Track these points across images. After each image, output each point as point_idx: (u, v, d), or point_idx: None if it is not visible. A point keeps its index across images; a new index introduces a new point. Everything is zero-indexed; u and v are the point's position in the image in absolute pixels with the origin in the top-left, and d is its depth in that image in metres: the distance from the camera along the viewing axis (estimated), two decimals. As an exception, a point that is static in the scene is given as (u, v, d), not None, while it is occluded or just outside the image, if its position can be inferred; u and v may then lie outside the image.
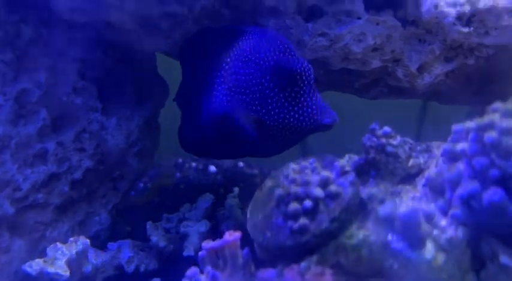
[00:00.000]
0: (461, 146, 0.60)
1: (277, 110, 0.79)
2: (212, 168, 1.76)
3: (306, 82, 0.79)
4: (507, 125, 0.56)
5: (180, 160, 1.83)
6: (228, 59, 0.85)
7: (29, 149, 1.03)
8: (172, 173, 1.77)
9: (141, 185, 1.57)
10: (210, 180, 1.74)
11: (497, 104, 0.60)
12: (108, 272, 1.00)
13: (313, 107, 0.79)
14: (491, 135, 0.57)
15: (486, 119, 0.58)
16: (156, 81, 1.28)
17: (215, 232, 1.17)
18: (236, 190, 1.58)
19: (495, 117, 0.58)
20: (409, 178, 0.69)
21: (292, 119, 0.79)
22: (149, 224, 1.10)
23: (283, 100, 0.79)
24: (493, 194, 0.57)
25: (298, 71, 0.78)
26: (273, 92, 0.79)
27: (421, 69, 0.97)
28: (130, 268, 1.01)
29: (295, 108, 0.79)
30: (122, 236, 1.24)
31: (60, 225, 1.08)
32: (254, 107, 0.80)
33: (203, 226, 1.07)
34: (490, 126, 0.57)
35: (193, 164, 1.83)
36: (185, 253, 1.04)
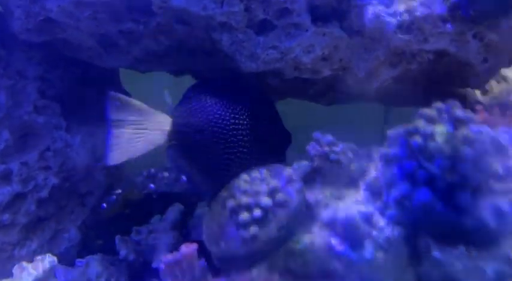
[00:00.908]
0: (393, 150, 0.65)
1: None
2: (185, 178, 1.78)
3: None
4: (430, 130, 0.61)
5: (153, 170, 1.85)
6: None
7: (-8, 171, 1.04)
8: (145, 184, 1.79)
9: (113, 197, 1.59)
10: (182, 189, 1.76)
11: (423, 110, 0.65)
12: (78, 288, 1.01)
13: None
14: (416, 140, 0.62)
15: (412, 124, 0.63)
16: (119, 95, 1.30)
17: (187, 241, 1.20)
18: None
19: (420, 123, 0.63)
20: (353, 182, 0.74)
21: None
22: (118, 238, 1.12)
23: None
24: (421, 194, 0.62)
25: None
26: None
27: (368, 75, 1.02)
28: (100, 283, 1.03)
29: None
30: (93, 251, 1.26)
31: (28, 244, 1.09)
32: None
33: (171, 237, 1.09)
34: (416, 131, 0.63)
35: (166, 174, 1.86)
36: (154, 265, 1.07)
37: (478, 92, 1.13)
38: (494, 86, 1.07)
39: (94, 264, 1.04)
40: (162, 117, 0.95)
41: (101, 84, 1.25)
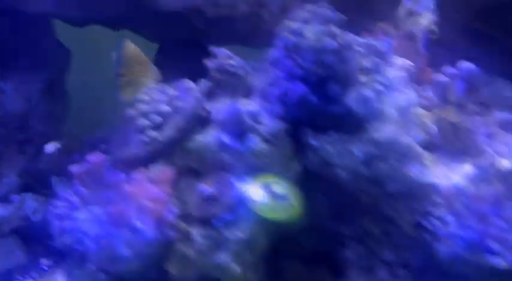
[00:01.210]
0: (275, 52, 0.72)
1: None
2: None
3: None
4: (302, 29, 0.68)
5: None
6: None
7: None
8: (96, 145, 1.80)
9: (55, 147, 1.60)
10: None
11: (297, 12, 0.71)
12: (15, 223, 1.06)
13: None
14: (290, 39, 0.68)
15: (289, 26, 0.70)
16: (54, 46, 1.32)
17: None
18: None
19: (294, 24, 0.69)
20: (249, 92, 0.80)
21: None
22: (54, 179, 1.16)
23: None
24: (297, 88, 0.69)
25: None
26: None
27: (283, 11, 1.08)
28: (36, 218, 1.07)
29: None
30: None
31: (-35, 187, 1.12)
32: None
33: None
34: (292, 32, 0.69)
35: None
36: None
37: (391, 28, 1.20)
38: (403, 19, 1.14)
39: (29, 201, 1.08)
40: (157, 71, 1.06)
41: (33, 34, 1.26)
